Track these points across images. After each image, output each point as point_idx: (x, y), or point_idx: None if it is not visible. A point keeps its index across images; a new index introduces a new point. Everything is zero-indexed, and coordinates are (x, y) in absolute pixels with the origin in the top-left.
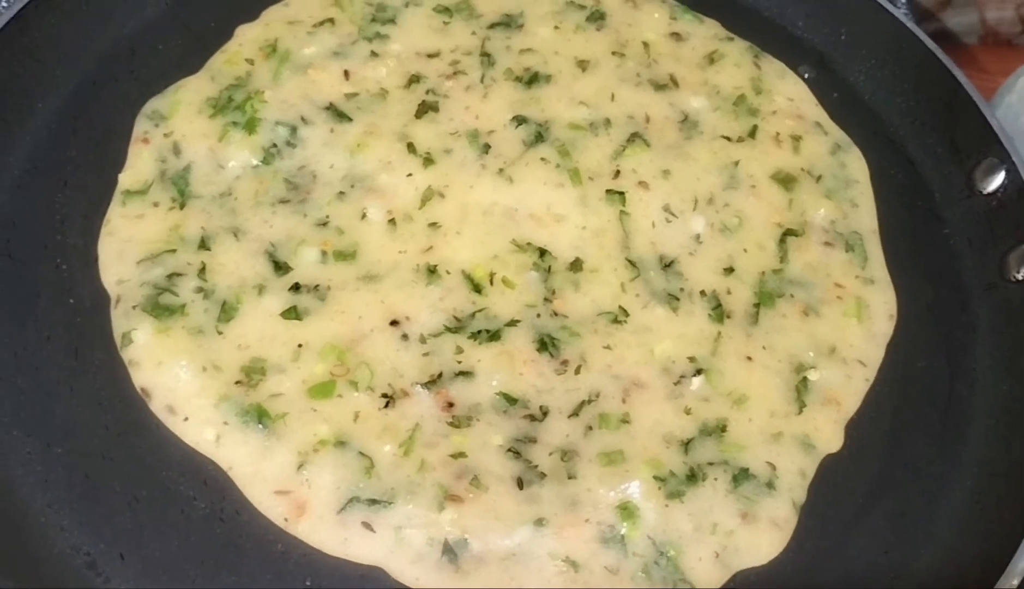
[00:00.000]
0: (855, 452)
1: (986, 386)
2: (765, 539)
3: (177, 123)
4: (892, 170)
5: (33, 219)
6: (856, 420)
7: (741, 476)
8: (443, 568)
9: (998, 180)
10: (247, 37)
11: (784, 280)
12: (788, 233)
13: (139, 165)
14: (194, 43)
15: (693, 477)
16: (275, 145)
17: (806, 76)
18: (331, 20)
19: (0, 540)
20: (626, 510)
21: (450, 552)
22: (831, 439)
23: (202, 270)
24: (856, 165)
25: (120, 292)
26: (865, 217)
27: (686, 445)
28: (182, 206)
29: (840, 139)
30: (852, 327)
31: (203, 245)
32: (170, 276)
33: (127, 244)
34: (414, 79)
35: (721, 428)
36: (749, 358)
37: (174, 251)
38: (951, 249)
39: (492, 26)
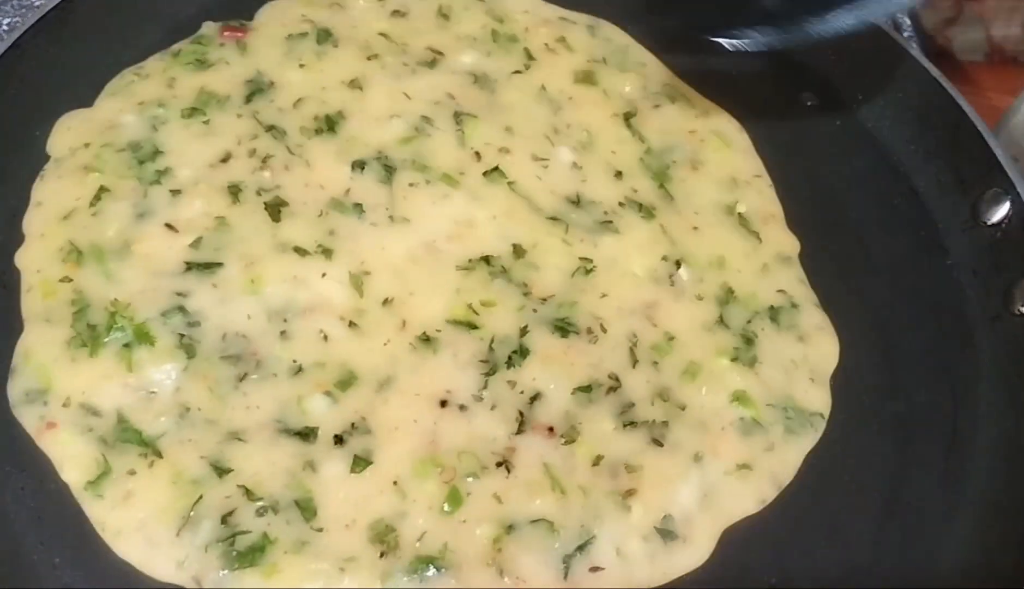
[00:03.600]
0: (856, 487)
1: (990, 422)
2: (826, 344)
3: (63, 386)
4: (895, 199)
5: None
6: (856, 460)
7: (773, 314)
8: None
9: (1002, 211)
10: (35, 260)
11: (657, 154)
12: (628, 116)
13: (70, 453)
14: None
15: (749, 340)
16: (182, 335)
17: (809, 103)
18: (102, 188)
19: None
20: (739, 398)
21: (669, 535)
22: (790, 242)
23: (248, 492)
24: (613, 33)
25: (194, 574)
26: (655, 71)
27: (723, 322)
28: (159, 454)
29: (588, 20)
30: (729, 155)
31: (222, 471)
32: (224, 520)
33: (147, 529)
34: (234, 191)
35: (730, 292)
36: (695, 228)
37: (201, 498)
38: (954, 281)
39: (247, 99)
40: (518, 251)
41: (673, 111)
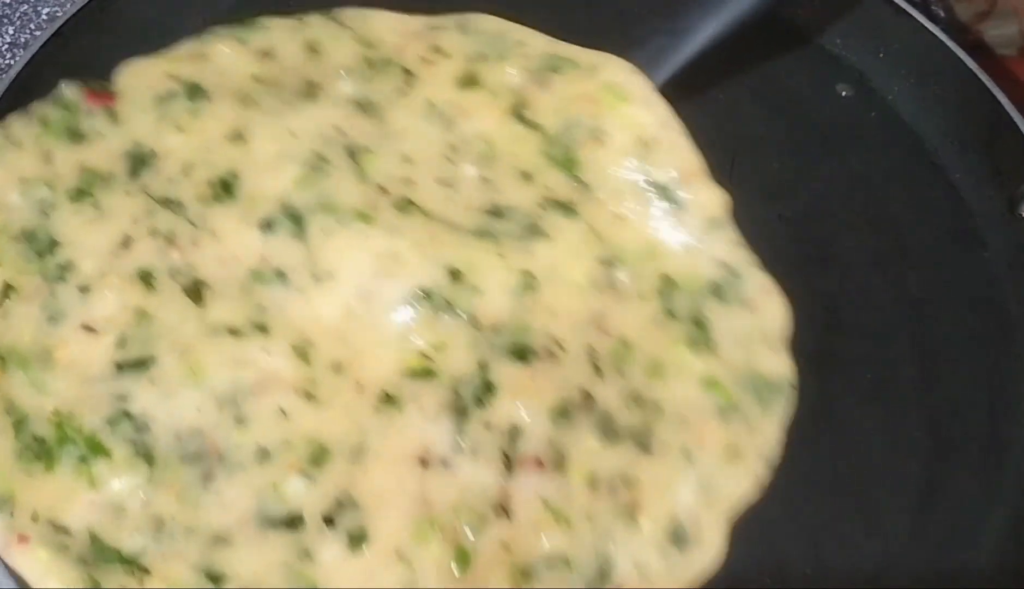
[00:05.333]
0: (891, 484)
1: None
2: (773, 306)
3: (26, 500)
4: (932, 192)
5: None
6: (888, 454)
7: (715, 290)
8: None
9: None
10: None
11: (556, 139)
12: (517, 109)
13: (51, 571)
14: None
15: (700, 324)
16: (134, 442)
17: (844, 94)
18: (9, 287)
19: None
20: (708, 384)
21: (681, 540)
22: (718, 199)
23: None
24: (485, 23)
25: None
26: (535, 45)
27: (671, 313)
28: (146, 570)
29: (456, 20)
30: (628, 110)
31: (216, 578)
32: None
33: None
34: (145, 278)
35: (669, 282)
36: (619, 216)
37: None
38: (992, 274)
39: (132, 173)
40: (454, 274)
41: (560, 82)
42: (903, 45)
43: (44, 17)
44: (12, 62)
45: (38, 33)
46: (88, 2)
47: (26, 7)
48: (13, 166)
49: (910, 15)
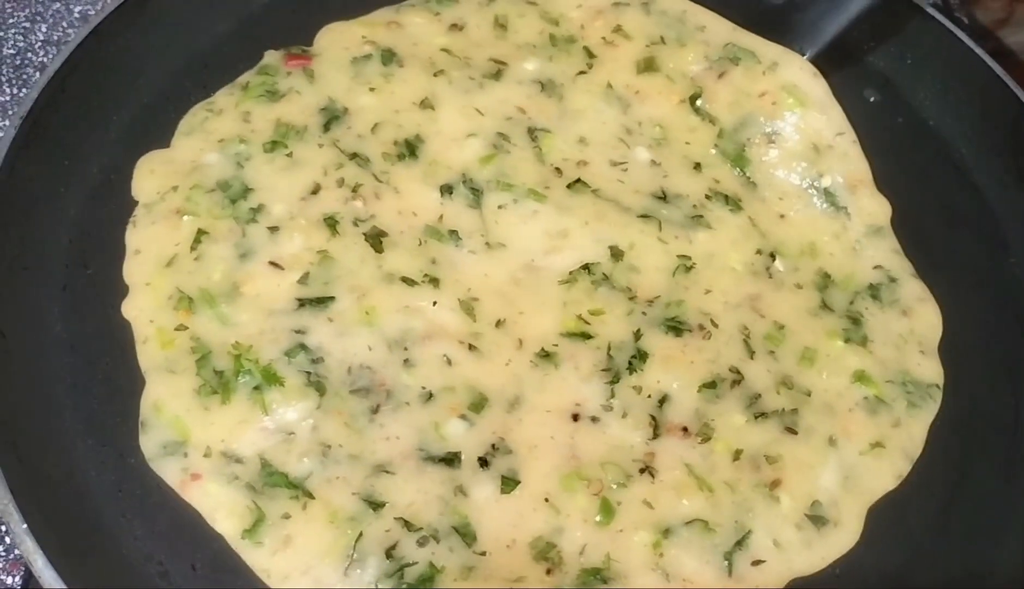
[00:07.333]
0: (918, 481)
1: None
2: (929, 314)
3: (200, 436)
4: (957, 196)
5: (106, 230)
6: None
7: (873, 292)
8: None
9: None
10: (145, 310)
11: (729, 134)
12: (693, 98)
13: (220, 503)
14: None
15: (856, 320)
16: (308, 372)
17: (872, 99)
18: (200, 231)
19: (74, 547)
20: (859, 378)
21: (820, 521)
22: (882, 209)
23: (406, 523)
24: (668, 3)
25: None
26: (716, 30)
27: (827, 305)
28: (310, 495)
29: None
30: (805, 115)
31: (376, 505)
32: (388, 554)
33: (314, 571)
34: (330, 224)
35: (826, 277)
36: (782, 216)
37: (361, 534)
38: (1016, 277)
39: (325, 128)
40: (616, 253)
41: (739, 75)
42: (929, 51)
43: (76, 15)
44: (46, 60)
45: (71, 31)
46: (123, 2)
47: (59, 5)
48: (213, 131)
49: (937, 21)
